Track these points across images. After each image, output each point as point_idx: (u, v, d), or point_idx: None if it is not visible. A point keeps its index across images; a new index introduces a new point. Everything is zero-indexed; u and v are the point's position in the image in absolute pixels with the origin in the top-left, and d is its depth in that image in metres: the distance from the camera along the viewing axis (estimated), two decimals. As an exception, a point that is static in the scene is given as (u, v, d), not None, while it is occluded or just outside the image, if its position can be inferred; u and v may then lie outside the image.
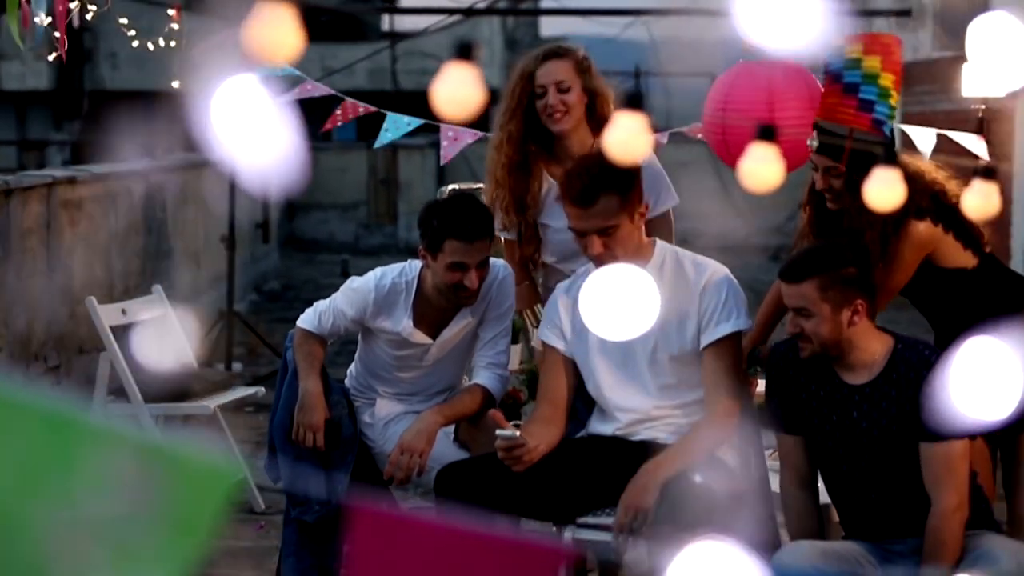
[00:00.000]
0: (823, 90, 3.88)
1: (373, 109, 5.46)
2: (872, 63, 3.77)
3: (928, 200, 3.93)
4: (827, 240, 3.94)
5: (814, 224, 4.18)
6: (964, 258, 4.00)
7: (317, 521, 4.13)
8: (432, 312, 4.19)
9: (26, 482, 1.15)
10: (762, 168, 2.03)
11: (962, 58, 10.22)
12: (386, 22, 22.76)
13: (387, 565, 1.38)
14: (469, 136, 5.50)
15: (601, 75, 4.44)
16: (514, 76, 4.39)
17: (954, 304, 4.03)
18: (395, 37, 20.14)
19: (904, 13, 12.34)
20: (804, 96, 4.35)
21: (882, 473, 3.57)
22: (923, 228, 3.91)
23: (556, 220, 4.23)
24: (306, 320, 4.25)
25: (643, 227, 3.87)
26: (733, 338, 3.84)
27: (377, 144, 5.51)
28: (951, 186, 3.99)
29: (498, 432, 3.69)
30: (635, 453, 3.75)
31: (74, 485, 1.15)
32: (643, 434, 3.86)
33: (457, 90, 1.72)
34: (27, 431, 1.16)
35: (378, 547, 1.38)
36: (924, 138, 5.11)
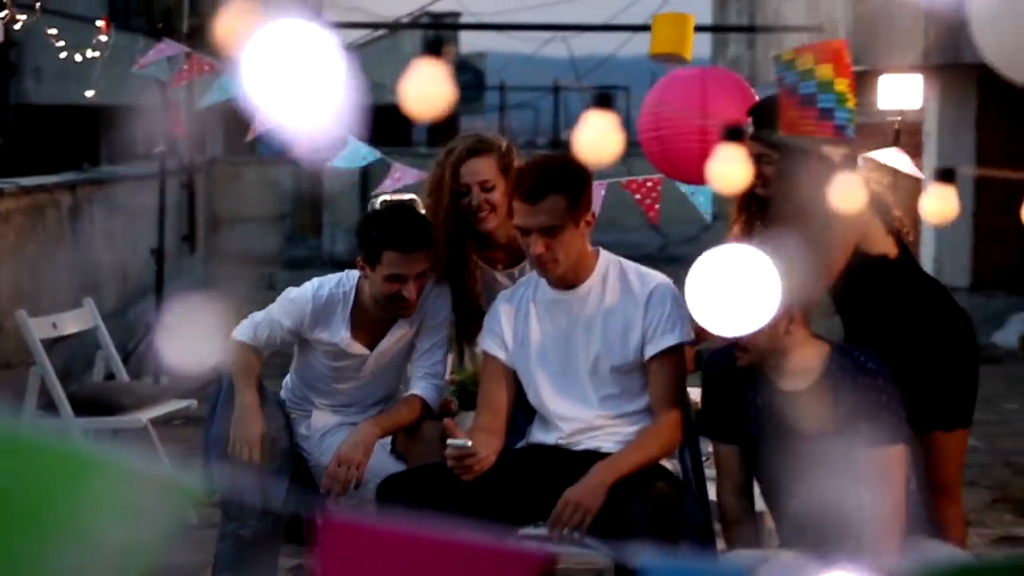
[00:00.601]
0: (781, 104, 3.93)
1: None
2: (824, 71, 3.82)
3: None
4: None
5: (744, 210, 4.24)
6: (887, 245, 4.03)
7: (253, 535, 4.10)
8: (369, 322, 4.19)
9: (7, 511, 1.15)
10: (730, 169, 2.06)
11: (875, 72, 10.36)
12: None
13: (357, 573, 1.37)
14: (411, 178, 5.51)
15: (520, 157, 4.34)
16: (439, 170, 4.29)
17: (872, 295, 4.03)
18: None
19: (816, 29, 12.51)
20: (737, 97, 4.39)
21: (818, 480, 3.61)
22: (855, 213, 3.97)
23: (489, 302, 4.21)
24: (242, 332, 4.22)
25: (588, 235, 3.88)
26: (677, 349, 3.87)
27: (337, 163, 5.50)
28: (873, 175, 4.08)
29: (449, 441, 3.68)
30: (578, 463, 3.77)
31: (51, 508, 1.14)
32: (586, 443, 3.87)
33: (426, 88, 1.72)
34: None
35: (347, 556, 1.36)
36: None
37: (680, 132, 4.59)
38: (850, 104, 3.90)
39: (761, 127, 3.92)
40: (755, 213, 4.20)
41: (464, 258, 4.31)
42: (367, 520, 1.44)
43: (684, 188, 5.25)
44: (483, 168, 4.24)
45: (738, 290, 1.77)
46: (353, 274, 4.20)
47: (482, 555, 1.36)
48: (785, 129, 3.93)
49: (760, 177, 3.99)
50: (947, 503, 3.99)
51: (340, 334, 4.16)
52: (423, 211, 4.37)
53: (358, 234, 4.11)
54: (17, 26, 5.09)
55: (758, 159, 3.97)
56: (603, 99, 2.05)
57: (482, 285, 4.36)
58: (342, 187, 17.58)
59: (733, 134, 2.17)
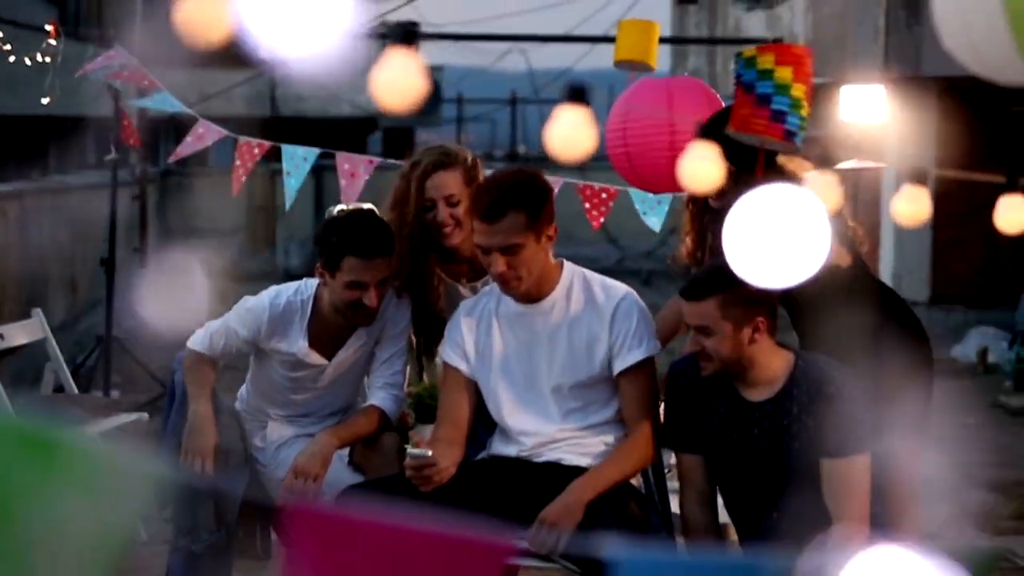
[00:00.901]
0: (736, 101, 3.90)
1: (267, 144, 5.39)
2: (784, 73, 3.79)
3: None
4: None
5: (697, 223, 4.22)
6: (839, 254, 4.03)
7: (206, 549, 4.00)
8: (328, 332, 4.11)
9: None
10: (702, 167, 1.99)
11: (835, 84, 10.37)
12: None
13: (327, 564, 1.36)
14: (364, 167, 5.43)
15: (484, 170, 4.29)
16: (403, 183, 4.22)
17: (824, 303, 4.02)
18: (274, 63, 19.94)
19: (776, 41, 12.56)
20: (704, 105, 4.36)
21: (783, 491, 3.57)
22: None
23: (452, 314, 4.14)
24: (197, 341, 4.13)
25: (550, 250, 3.81)
26: (647, 363, 3.80)
27: (288, 203, 5.47)
28: (829, 186, 4.08)
29: (409, 451, 3.62)
30: (540, 475, 3.71)
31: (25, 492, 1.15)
32: (547, 455, 3.80)
33: (398, 78, 1.65)
34: None
35: (317, 546, 1.35)
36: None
37: (648, 146, 4.56)
38: (803, 111, 3.88)
39: (711, 139, 3.89)
40: (707, 225, 4.18)
41: (427, 272, 4.23)
42: (337, 511, 1.42)
43: (638, 206, 5.21)
44: (449, 182, 4.16)
45: (784, 236, 1.64)
46: (311, 282, 4.12)
47: (451, 545, 1.40)
48: (735, 126, 3.90)
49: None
50: (903, 514, 3.96)
51: (298, 344, 4.08)
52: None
53: (317, 241, 4.03)
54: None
55: None
56: (576, 93, 1.98)
57: (446, 299, 4.29)
58: (296, 200, 17.47)
59: (707, 131, 2.10)
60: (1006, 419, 9.25)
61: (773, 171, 3.95)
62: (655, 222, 5.32)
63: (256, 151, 5.52)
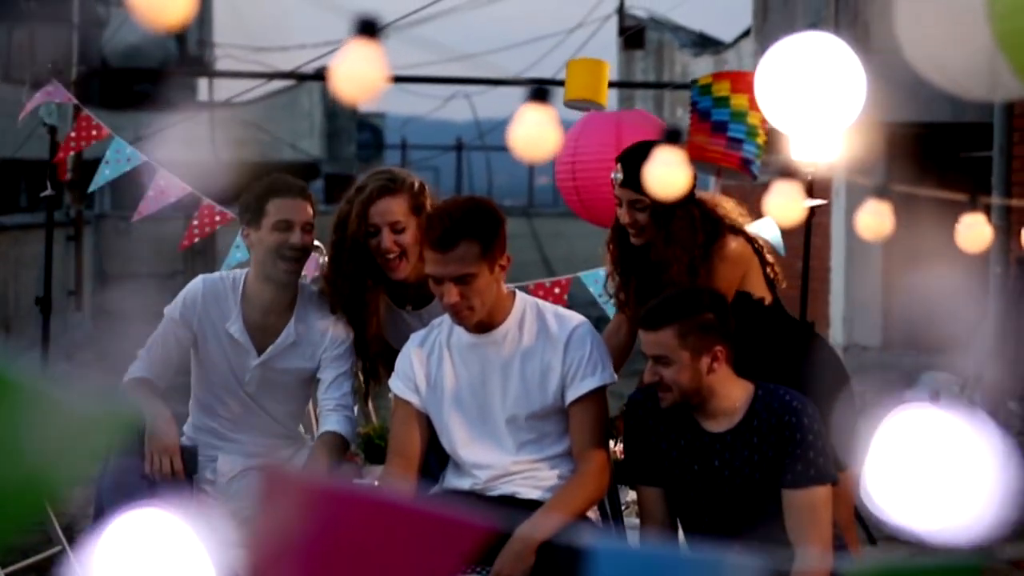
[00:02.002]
0: (690, 128, 3.86)
1: (230, 215, 5.32)
2: (740, 101, 3.76)
3: (734, 223, 4.01)
4: (686, 287, 3.89)
5: (618, 263, 4.19)
6: (763, 290, 4.06)
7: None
8: (259, 318, 4.11)
9: None
10: (669, 172, 1.91)
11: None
12: (204, 91, 22.44)
13: (297, 530, 1.36)
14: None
15: (434, 197, 4.18)
16: (347, 207, 4.12)
17: (753, 337, 3.99)
18: (212, 105, 19.85)
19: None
20: (651, 137, 4.34)
21: (745, 522, 3.49)
22: (737, 244, 3.99)
23: (398, 341, 4.07)
24: (133, 368, 4.11)
25: (503, 279, 3.72)
26: (599, 392, 3.71)
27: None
28: (746, 222, 4.11)
29: (355, 482, 3.51)
30: (494, 509, 3.59)
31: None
32: (501, 488, 3.71)
33: (357, 68, 1.55)
34: None
35: (288, 513, 1.36)
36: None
37: (596, 180, 4.52)
38: (759, 139, 3.86)
39: (631, 173, 3.86)
40: (632, 265, 4.16)
41: (368, 298, 4.14)
42: (313, 481, 1.46)
43: (592, 288, 5.11)
44: (394, 208, 4.06)
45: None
46: (239, 271, 4.18)
47: (423, 520, 1.39)
48: (691, 154, 3.87)
49: (634, 225, 3.99)
50: (847, 542, 3.94)
51: (231, 318, 4.11)
52: (325, 256, 4.26)
53: (240, 206, 4.13)
54: None
55: (631, 206, 3.96)
56: (539, 93, 1.90)
57: (390, 326, 4.19)
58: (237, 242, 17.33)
59: (672, 136, 2.03)
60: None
61: (694, 206, 3.96)
62: (597, 286, 5.25)
63: (218, 219, 5.45)
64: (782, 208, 2.13)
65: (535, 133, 1.86)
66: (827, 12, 10.69)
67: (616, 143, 4.45)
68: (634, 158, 3.84)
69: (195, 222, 5.41)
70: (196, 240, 5.50)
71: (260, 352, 4.11)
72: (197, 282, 4.15)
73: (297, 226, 4.02)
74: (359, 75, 1.62)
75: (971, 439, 1.21)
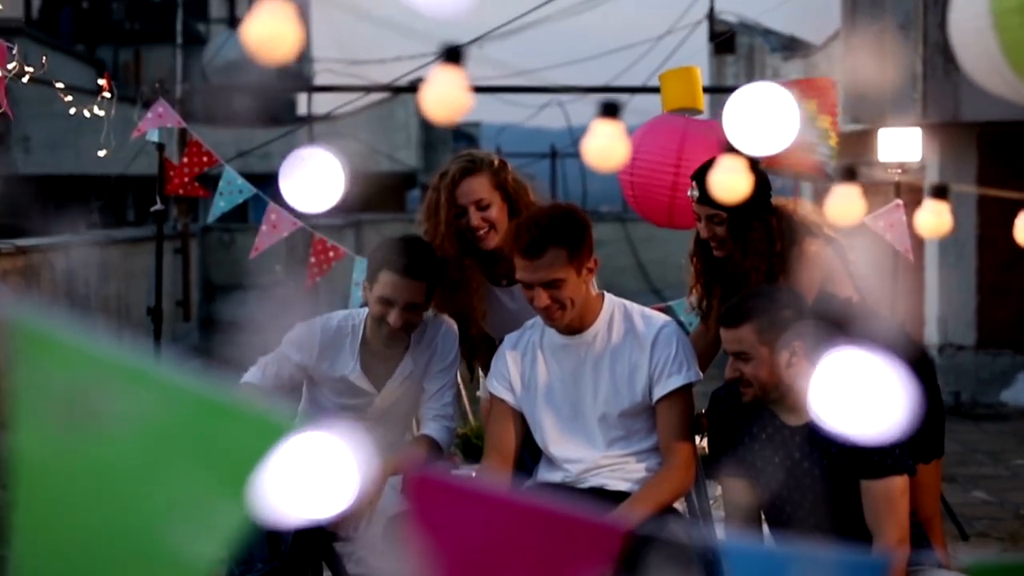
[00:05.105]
0: None
1: (343, 251, 5.60)
2: (810, 107, 3.88)
3: (812, 227, 4.10)
4: (767, 285, 4.02)
5: (702, 274, 4.32)
6: (849, 289, 4.12)
7: None
8: (376, 361, 4.20)
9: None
10: (732, 179, 2.08)
11: (873, 131, 10.40)
12: (303, 105, 22.84)
13: (447, 531, 1.40)
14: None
15: (516, 171, 4.40)
16: (435, 195, 4.32)
17: (837, 334, 4.08)
18: (311, 119, 20.21)
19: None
20: (713, 148, 4.45)
21: (825, 512, 3.61)
22: (816, 248, 4.06)
23: (499, 326, 4.23)
24: (249, 375, 4.22)
25: (591, 282, 3.89)
26: (685, 390, 3.87)
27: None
28: (825, 224, 4.17)
29: (453, 472, 3.69)
30: (585, 500, 3.74)
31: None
32: (591, 481, 3.87)
33: (444, 91, 1.74)
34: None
35: (439, 514, 1.40)
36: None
37: (651, 181, 4.65)
38: (832, 141, 3.96)
39: (705, 190, 3.99)
40: (714, 276, 4.28)
41: (466, 278, 4.32)
42: (461, 482, 1.46)
43: (683, 318, 5.30)
44: (477, 187, 4.26)
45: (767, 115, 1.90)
46: (361, 311, 4.22)
47: (568, 524, 1.40)
48: (767, 162, 3.99)
49: (713, 239, 4.11)
50: (930, 535, 4.02)
51: (349, 366, 4.17)
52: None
53: (369, 257, 4.18)
54: (25, 79, 5.12)
55: (709, 220, 4.09)
56: (610, 108, 2.07)
57: (486, 304, 4.37)
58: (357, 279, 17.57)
59: (732, 147, 2.19)
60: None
61: (771, 216, 4.07)
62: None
63: (332, 255, 5.73)
64: (843, 210, 2.27)
65: (606, 145, 2.03)
66: (915, 13, 10.70)
67: (678, 149, 4.57)
68: (707, 174, 3.99)
69: (312, 259, 5.70)
70: (317, 279, 5.78)
71: (379, 387, 4.23)
72: (315, 327, 4.19)
73: (397, 306, 4.03)
74: (446, 97, 1.80)
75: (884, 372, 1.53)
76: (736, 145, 1.93)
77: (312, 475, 1.24)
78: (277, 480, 1.22)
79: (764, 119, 1.93)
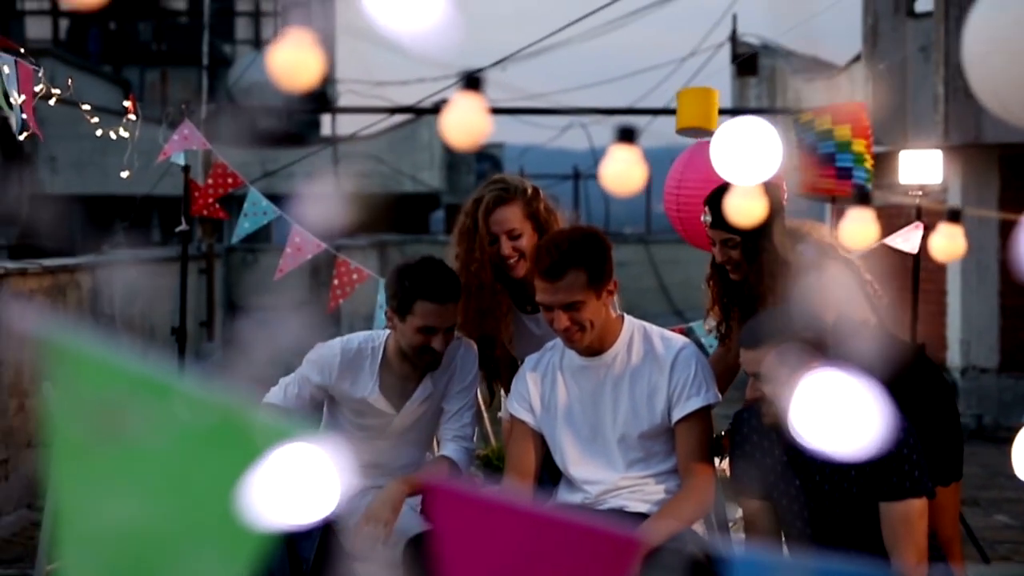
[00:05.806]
0: (800, 164, 4.00)
1: (367, 273, 5.64)
2: (843, 131, 3.90)
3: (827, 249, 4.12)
4: (785, 306, 4.04)
5: (720, 298, 4.34)
6: (865, 312, 4.13)
7: None
8: (396, 382, 4.22)
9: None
10: (745, 203, 2.11)
11: (894, 152, 10.46)
12: (327, 126, 22.95)
13: (470, 543, 1.42)
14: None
15: (547, 198, 4.43)
16: (468, 220, 4.35)
17: (854, 358, 4.09)
18: (335, 140, 20.31)
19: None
20: None
21: (845, 534, 3.62)
22: (834, 270, 4.07)
23: (524, 352, 4.25)
24: (270, 395, 4.25)
25: (611, 303, 3.91)
26: (704, 412, 3.89)
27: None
28: (840, 246, 4.18)
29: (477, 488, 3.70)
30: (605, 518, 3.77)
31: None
32: (611, 502, 3.89)
33: (464, 118, 1.78)
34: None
35: (463, 528, 1.42)
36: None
37: (698, 207, 4.67)
38: (867, 164, 3.97)
39: (717, 215, 4.01)
40: (732, 298, 4.30)
41: (495, 303, 4.35)
42: (484, 494, 1.49)
43: (704, 340, 5.34)
44: (509, 217, 4.30)
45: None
46: (382, 333, 4.25)
47: (587, 536, 1.41)
48: (805, 188, 4.01)
49: (728, 262, 4.14)
50: (949, 557, 4.03)
51: (368, 388, 4.19)
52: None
53: (389, 286, 4.15)
54: (51, 101, 5.19)
55: (723, 244, 4.11)
56: (627, 133, 2.10)
57: (513, 329, 4.40)
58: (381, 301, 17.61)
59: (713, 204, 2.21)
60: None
61: (782, 235, 4.09)
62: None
63: (355, 277, 5.77)
64: (855, 233, 2.29)
65: (623, 170, 2.06)
66: (936, 35, 10.71)
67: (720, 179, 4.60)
68: (719, 199, 3.99)
69: (335, 281, 5.74)
70: (340, 301, 5.83)
71: (398, 408, 4.25)
72: (335, 349, 4.21)
73: (441, 332, 4.05)
74: (466, 123, 1.84)
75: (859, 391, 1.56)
76: (722, 174, 1.96)
77: (299, 480, 1.27)
78: (279, 485, 1.25)
79: (750, 150, 1.96)
